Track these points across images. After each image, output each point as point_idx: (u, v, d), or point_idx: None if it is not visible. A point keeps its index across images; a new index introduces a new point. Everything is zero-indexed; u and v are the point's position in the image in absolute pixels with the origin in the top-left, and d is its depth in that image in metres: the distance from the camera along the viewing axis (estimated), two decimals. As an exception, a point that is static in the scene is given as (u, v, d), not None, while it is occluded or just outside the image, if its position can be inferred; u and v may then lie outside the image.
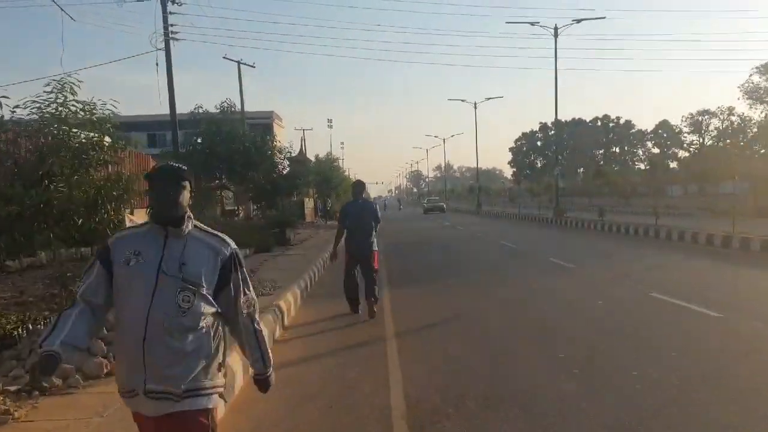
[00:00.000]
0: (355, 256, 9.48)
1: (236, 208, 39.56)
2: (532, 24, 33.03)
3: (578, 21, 32.66)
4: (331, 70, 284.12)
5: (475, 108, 60.83)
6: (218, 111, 18.23)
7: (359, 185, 10.20)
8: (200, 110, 18.50)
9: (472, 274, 14.70)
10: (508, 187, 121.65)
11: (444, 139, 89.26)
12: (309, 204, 41.85)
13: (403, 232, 32.87)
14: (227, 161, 17.83)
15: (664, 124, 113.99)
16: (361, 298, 9.59)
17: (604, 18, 33.02)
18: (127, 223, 9.50)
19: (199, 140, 18.50)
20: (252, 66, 43.18)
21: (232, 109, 18.15)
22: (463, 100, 62.17)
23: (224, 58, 42.06)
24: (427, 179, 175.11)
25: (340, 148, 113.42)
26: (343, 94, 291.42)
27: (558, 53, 33.43)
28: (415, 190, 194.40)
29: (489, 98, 61.96)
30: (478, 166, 73.70)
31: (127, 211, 9.08)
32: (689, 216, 35.18)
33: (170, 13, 24.46)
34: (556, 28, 33.13)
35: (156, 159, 22.09)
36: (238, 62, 42.48)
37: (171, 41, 24.36)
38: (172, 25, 24.54)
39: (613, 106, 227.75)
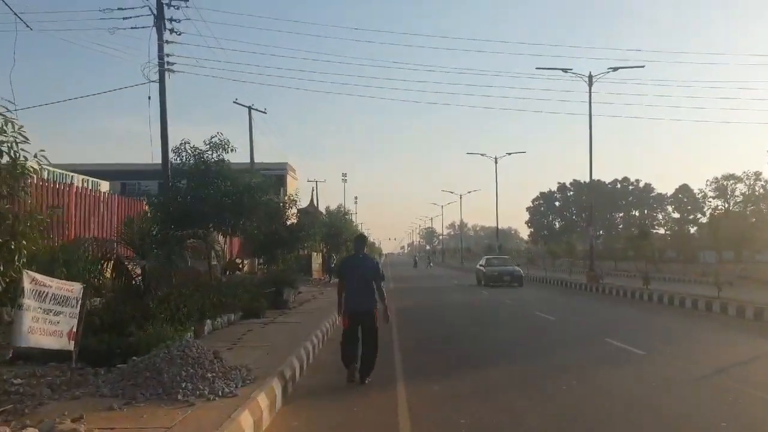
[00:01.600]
0: (354, 316, 8.86)
1: (241, 261, 36.51)
2: (565, 71, 30.40)
3: (615, 69, 30.03)
4: (348, 123, 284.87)
5: (496, 163, 58.21)
6: (207, 147, 15.29)
7: (360, 239, 9.67)
8: (186, 147, 15.56)
9: (514, 359, 11.41)
10: (525, 248, 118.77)
11: (461, 195, 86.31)
12: (317, 259, 38.74)
13: (419, 293, 29.58)
14: (216, 207, 14.78)
15: (684, 188, 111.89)
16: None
17: (642, 66, 30.41)
18: (26, 285, 6.44)
19: (183, 181, 15.56)
20: (263, 112, 41.22)
21: (226, 146, 15.15)
22: (483, 154, 59.56)
23: (235, 102, 40.31)
24: (440, 236, 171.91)
25: (353, 203, 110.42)
26: (359, 148, 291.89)
27: (590, 105, 30.58)
28: (428, 247, 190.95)
29: (510, 153, 59.42)
30: (493, 225, 70.50)
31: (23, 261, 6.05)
32: (738, 286, 31.72)
33: (167, 41, 22.09)
34: (590, 76, 30.50)
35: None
36: (249, 107, 40.57)
37: (167, 73, 22.01)
38: (168, 55, 22.13)
39: (631, 168, 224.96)
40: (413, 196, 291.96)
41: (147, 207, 16.34)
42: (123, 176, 53.50)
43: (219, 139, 15.51)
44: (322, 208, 51.25)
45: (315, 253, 38.92)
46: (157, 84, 21.68)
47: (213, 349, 8.46)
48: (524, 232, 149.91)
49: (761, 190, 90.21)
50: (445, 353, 12.04)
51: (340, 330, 9.76)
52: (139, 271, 11.21)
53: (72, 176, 23.64)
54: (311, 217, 42.73)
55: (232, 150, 15.91)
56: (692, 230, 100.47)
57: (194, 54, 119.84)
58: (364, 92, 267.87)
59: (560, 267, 62.91)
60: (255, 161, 67.91)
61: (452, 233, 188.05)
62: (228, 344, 10.72)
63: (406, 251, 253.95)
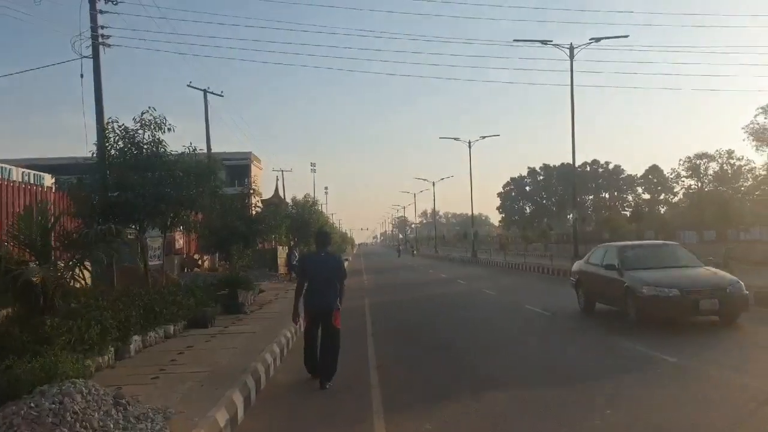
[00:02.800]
0: (315, 315, 8.48)
1: (200, 258, 33.95)
2: (544, 43, 28.22)
3: (597, 40, 27.95)
4: (317, 111, 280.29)
5: (470, 147, 56.02)
6: (137, 126, 12.74)
7: (322, 236, 9.24)
8: (113, 126, 12.97)
9: (515, 370, 9.16)
10: (498, 234, 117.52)
11: (434, 183, 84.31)
12: (283, 254, 36.18)
13: (395, 287, 27.31)
14: (151, 197, 12.25)
15: (654, 169, 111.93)
16: None
17: (627, 36, 28.35)
18: None
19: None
20: (220, 95, 38.52)
21: (161, 124, 12.62)
22: (456, 139, 57.33)
23: (189, 86, 37.47)
24: (413, 225, 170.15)
25: (324, 193, 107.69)
26: (329, 137, 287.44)
27: (572, 79, 28.51)
28: (401, 236, 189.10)
29: (484, 137, 57.24)
30: (467, 212, 68.62)
31: None
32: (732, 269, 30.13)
33: (101, 11, 19.37)
34: (571, 48, 28.38)
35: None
36: (205, 90, 37.73)
37: (102, 47, 19.28)
38: (103, 27, 19.41)
39: (603, 151, 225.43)
40: (386, 185, 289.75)
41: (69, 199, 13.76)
42: (52, 170, 53.11)
43: (152, 115, 12.94)
44: (289, 199, 48.70)
45: (281, 247, 36.41)
46: (91, 61, 19.04)
47: (116, 389, 6.07)
48: (495, 219, 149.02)
49: (732, 169, 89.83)
50: (429, 364, 9.76)
51: (301, 341, 9.09)
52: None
53: (10, 169, 21.38)
54: (275, 208, 40.29)
55: (169, 129, 13.34)
56: (662, 210, 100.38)
57: (137, 27, 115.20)
58: (332, 76, 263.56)
59: (535, 252, 61.28)
60: (216, 151, 64.85)
61: (424, 221, 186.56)
62: (154, 370, 8.31)
63: (378, 241, 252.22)
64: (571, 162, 29.82)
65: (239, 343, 10.60)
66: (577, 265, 16.41)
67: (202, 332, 12.03)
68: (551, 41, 28.08)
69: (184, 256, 33.46)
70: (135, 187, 12.32)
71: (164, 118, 13.33)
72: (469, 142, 56.17)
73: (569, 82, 28.26)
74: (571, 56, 28.12)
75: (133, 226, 13.33)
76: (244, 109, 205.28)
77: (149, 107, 13.06)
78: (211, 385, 7.37)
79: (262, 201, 45.16)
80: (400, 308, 18.45)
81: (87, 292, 10.43)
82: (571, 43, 28.31)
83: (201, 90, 37.51)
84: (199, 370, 8.28)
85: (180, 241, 33.34)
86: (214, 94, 38.01)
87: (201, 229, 21.25)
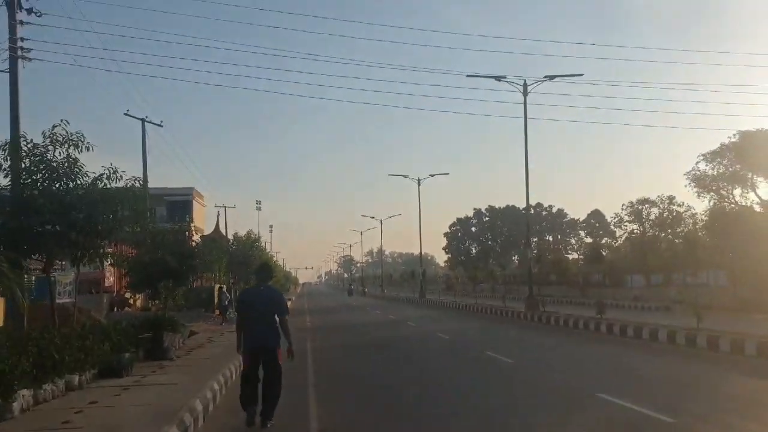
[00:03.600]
0: (255, 350, 7.97)
1: (132, 296, 31.41)
2: (498, 79, 27.56)
3: (551, 78, 27.47)
4: (263, 150, 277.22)
5: (419, 185, 55.12)
6: (47, 142, 11.02)
7: (263, 269, 8.74)
8: (21, 141, 11.22)
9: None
10: (444, 274, 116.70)
11: (381, 221, 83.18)
12: (220, 292, 34.01)
13: (341, 330, 25.65)
14: (58, 224, 10.48)
15: (595, 213, 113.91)
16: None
17: (581, 75, 28.04)
18: None
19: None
20: (159, 125, 36.51)
21: (79, 142, 10.95)
22: (405, 176, 56.40)
23: (126, 114, 35.44)
24: (359, 264, 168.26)
25: (269, 231, 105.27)
26: (275, 174, 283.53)
27: (525, 116, 27.93)
28: (346, 275, 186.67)
29: (433, 175, 56.54)
30: (413, 251, 67.59)
31: None
32: (685, 312, 29.71)
33: (21, 22, 17.60)
34: (525, 85, 27.80)
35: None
36: (143, 120, 35.75)
37: (22, 61, 17.50)
38: (23, 39, 17.62)
39: (546, 194, 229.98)
40: (332, 223, 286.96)
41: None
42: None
43: (65, 129, 11.20)
44: (231, 236, 46.58)
45: (218, 286, 34.26)
46: (7, 74, 17.20)
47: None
48: (440, 258, 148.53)
49: (673, 214, 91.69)
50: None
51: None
52: None
53: None
54: (213, 243, 38.21)
55: (87, 148, 11.60)
56: (604, 254, 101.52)
57: (63, 41, 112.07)
58: (281, 110, 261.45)
59: (482, 293, 60.45)
60: (157, 186, 62.34)
61: (370, 260, 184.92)
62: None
63: (323, 280, 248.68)
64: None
65: (154, 398, 8.84)
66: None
67: (114, 383, 10.19)
68: (505, 77, 27.44)
69: (114, 294, 31.05)
70: (41, 213, 10.50)
71: (82, 135, 11.61)
72: (419, 180, 55.44)
73: (522, 119, 27.67)
74: (525, 92, 27.54)
75: (38, 257, 11.46)
76: (188, 146, 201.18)
77: (62, 120, 11.33)
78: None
79: (202, 237, 43.08)
80: (347, 354, 16.85)
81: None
82: (525, 80, 27.77)
83: (139, 119, 35.57)
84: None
85: (111, 278, 30.96)
86: (153, 123, 35.94)
87: (130, 265, 19.37)
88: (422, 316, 32.46)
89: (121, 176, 11.77)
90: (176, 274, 18.75)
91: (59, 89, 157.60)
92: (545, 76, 27.41)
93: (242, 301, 8.63)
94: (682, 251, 46.26)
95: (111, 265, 21.71)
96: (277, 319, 8.12)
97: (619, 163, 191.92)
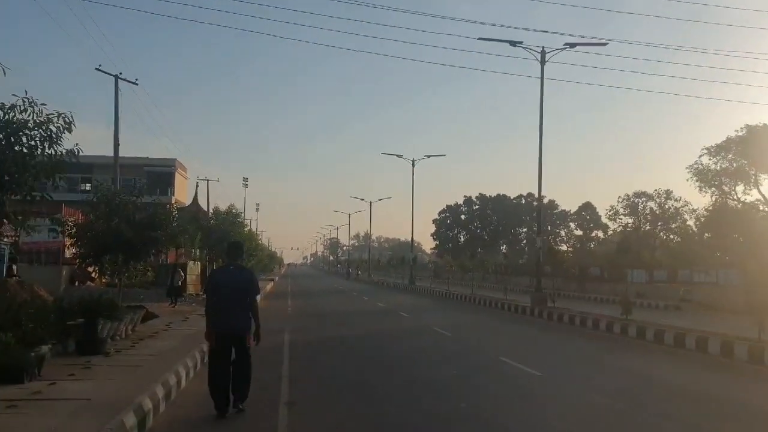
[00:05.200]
0: (224, 336, 7.59)
1: (93, 270, 28.03)
2: (513, 44, 24.51)
3: (572, 46, 24.51)
4: (252, 125, 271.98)
5: (413, 166, 52.08)
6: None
7: (234, 247, 8.30)
8: None
9: None
10: (432, 261, 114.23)
11: (370, 203, 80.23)
12: (195, 269, 30.99)
13: (325, 319, 22.75)
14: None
15: (587, 206, 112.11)
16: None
17: (605, 44, 25.10)
18: None
19: None
20: (134, 83, 33.21)
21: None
22: (399, 156, 53.31)
23: (97, 69, 32.13)
24: (345, 248, 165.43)
25: (255, 210, 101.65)
26: (263, 151, 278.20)
27: (542, 87, 25.03)
28: (331, 258, 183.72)
29: (429, 155, 53.48)
30: (399, 237, 64.82)
31: None
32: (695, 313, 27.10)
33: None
34: (543, 53, 24.83)
35: None
36: (116, 76, 32.56)
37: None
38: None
39: (535, 184, 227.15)
40: (320, 204, 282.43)
41: None
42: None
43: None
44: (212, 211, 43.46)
45: (192, 263, 31.21)
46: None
47: None
48: (426, 245, 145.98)
49: (668, 211, 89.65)
50: None
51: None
52: None
53: None
54: (190, 216, 35.07)
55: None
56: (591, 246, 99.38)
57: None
58: (273, 85, 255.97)
59: (471, 282, 57.82)
60: (139, 156, 58.80)
61: (356, 244, 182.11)
62: None
63: (309, 261, 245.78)
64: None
65: (41, 428, 5.88)
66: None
67: (5, 394, 7.21)
68: (521, 42, 24.41)
69: (76, 267, 27.88)
70: None
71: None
72: (413, 161, 52.37)
73: (539, 91, 24.67)
74: (543, 61, 24.51)
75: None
76: (173, 115, 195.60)
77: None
78: None
79: (179, 210, 39.97)
80: (332, 353, 13.85)
81: None
82: (543, 47, 24.75)
83: (112, 75, 32.29)
84: None
85: (73, 249, 27.79)
86: (127, 81, 32.77)
87: (74, 232, 16.33)
88: (415, 305, 29.60)
89: (41, 110, 8.70)
90: (131, 246, 15.72)
91: (23, 38, 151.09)
92: (565, 44, 24.41)
93: (212, 281, 8.08)
94: (677, 248, 43.70)
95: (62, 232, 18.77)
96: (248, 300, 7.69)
97: (613, 155, 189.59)
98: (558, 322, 21.15)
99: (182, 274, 23.38)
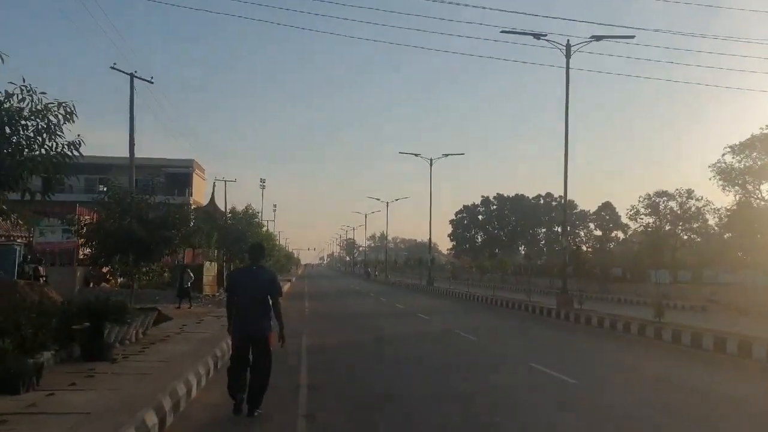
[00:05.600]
0: (245, 338, 7.49)
1: (107, 271, 27.55)
2: (537, 37, 23.65)
3: (598, 38, 23.63)
4: (270, 126, 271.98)
5: (431, 165, 51.21)
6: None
7: (256, 249, 8.18)
8: None
9: None
10: (450, 262, 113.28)
11: (387, 203, 79.48)
12: (212, 270, 30.48)
13: (343, 322, 22.10)
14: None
15: (606, 206, 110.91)
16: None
17: (633, 37, 24.28)
18: None
19: None
20: (150, 81, 32.79)
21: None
22: (417, 155, 52.42)
23: (112, 68, 31.80)
24: (361, 248, 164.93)
25: (272, 210, 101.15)
26: (281, 152, 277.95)
27: (567, 81, 24.17)
28: (348, 258, 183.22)
29: (447, 154, 52.58)
30: (416, 238, 64.05)
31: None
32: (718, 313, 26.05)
33: None
34: (568, 45, 24.00)
35: None
36: (131, 75, 32.18)
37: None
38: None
39: (554, 183, 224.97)
40: (337, 204, 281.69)
41: None
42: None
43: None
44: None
45: (209, 263, 30.70)
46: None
47: None
48: (443, 246, 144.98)
49: (689, 211, 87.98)
50: None
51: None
52: None
53: None
54: (207, 216, 34.59)
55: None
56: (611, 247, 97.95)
57: None
58: (290, 85, 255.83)
59: (490, 283, 56.90)
60: (157, 158, 58.46)
61: (372, 245, 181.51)
62: None
63: (325, 262, 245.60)
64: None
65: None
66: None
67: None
68: (545, 35, 23.55)
69: (90, 268, 27.42)
70: None
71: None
72: (431, 160, 51.45)
73: (564, 84, 23.80)
74: (568, 54, 23.64)
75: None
76: (191, 117, 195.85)
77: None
78: None
79: (195, 210, 39.45)
80: (352, 359, 13.10)
81: None
82: (568, 40, 23.89)
83: (127, 74, 31.90)
84: None
85: (86, 249, 27.32)
86: (142, 79, 32.39)
87: (85, 232, 15.81)
88: (435, 307, 28.82)
89: (40, 99, 8.07)
90: (142, 245, 15.13)
91: (40, 37, 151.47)
92: (592, 36, 23.50)
93: (233, 282, 8.04)
94: (700, 248, 42.27)
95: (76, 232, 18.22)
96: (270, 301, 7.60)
97: (632, 156, 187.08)
98: (586, 325, 20.27)
99: (191, 275, 22.69)
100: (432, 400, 8.82)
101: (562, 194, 26.86)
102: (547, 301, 28.63)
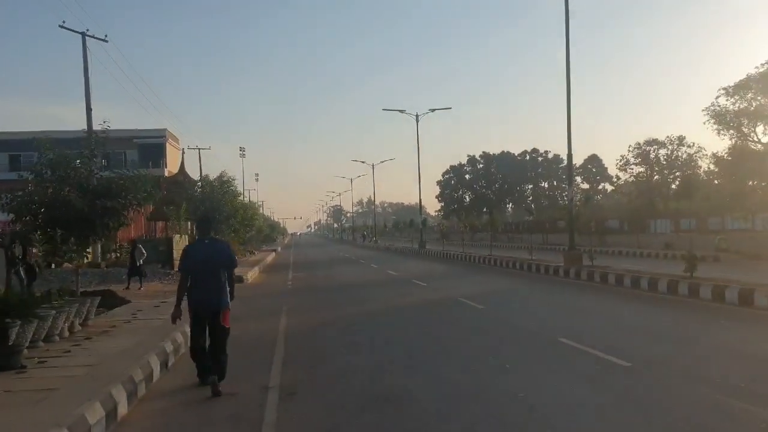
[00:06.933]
0: (200, 313, 7.24)
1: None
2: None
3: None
4: (249, 93, 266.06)
5: (417, 121, 48.25)
6: None
7: (203, 222, 7.95)
8: None
9: None
10: (440, 223, 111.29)
11: (373, 165, 76.89)
12: (182, 243, 27.93)
13: (331, 294, 19.79)
14: None
15: (593, 159, 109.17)
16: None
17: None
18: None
19: None
20: (103, 40, 29.79)
21: None
22: (402, 111, 49.28)
23: (61, 26, 28.78)
24: (349, 215, 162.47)
25: (255, 180, 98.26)
26: (260, 118, 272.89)
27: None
28: (335, 225, 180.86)
29: (433, 110, 49.52)
30: (403, 201, 61.62)
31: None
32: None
33: None
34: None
35: None
36: (83, 34, 29.26)
37: None
38: None
39: (539, 139, 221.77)
40: (322, 171, 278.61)
41: None
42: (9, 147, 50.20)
43: None
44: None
45: (178, 236, 28.16)
46: None
47: None
48: (431, 207, 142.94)
49: (682, 157, 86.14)
50: None
51: None
52: None
53: None
54: (178, 186, 31.99)
55: None
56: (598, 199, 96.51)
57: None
58: (268, 46, 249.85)
59: (482, 242, 54.87)
60: (126, 129, 55.05)
61: (360, 210, 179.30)
62: None
63: (312, 230, 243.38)
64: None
65: None
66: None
67: None
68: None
69: (12, 246, 24.73)
70: None
71: None
72: (417, 116, 48.54)
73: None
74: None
75: None
76: (165, 86, 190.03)
77: None
78: None
79: (164, 179, 36.71)
80: (342, 345, 10.56)
81: None
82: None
83: (78, 32, 28.95)
84: None
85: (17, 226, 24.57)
86: (95, 38, 29.42)
87: (11, 206, 13.19)
88: (430, 271, 26.55)
89: None
90: (85, 220, 12.59)
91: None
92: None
93: (186, 256, 7.44)
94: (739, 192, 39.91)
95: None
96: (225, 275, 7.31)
97: (620, 105, 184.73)
98: (602, 284, 18.04)
99: (143, 251, 20.07)
100: (448, 403, 6.47)
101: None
102: (551, 258, 26.49)
